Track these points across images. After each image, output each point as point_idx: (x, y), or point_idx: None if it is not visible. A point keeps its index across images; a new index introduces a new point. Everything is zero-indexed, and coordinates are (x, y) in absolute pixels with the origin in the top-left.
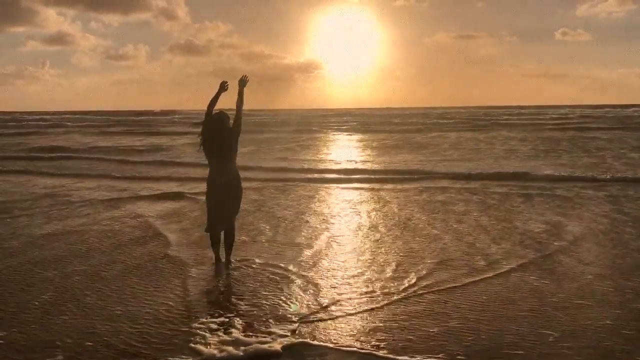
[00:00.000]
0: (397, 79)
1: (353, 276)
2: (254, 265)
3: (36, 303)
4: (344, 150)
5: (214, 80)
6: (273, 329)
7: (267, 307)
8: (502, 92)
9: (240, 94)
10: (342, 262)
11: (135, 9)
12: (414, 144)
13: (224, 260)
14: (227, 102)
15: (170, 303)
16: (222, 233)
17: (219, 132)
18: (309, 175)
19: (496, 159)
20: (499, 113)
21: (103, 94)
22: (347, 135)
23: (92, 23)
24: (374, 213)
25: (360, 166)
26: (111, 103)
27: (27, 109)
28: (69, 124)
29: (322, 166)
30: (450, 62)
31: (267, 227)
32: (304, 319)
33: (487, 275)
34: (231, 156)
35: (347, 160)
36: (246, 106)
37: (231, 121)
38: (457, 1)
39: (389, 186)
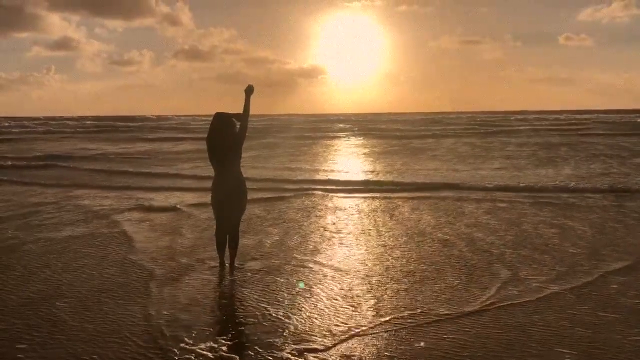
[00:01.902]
0: (400, 84)
1: (384, 291)
2: (267, 274)
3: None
4: (354, 157)
5: (218, 85)
6: None
7: (282, 325)
8: (506, 96)
9: (247, 102)
10: (374, 275)
11: (139, 14)
12: (431, 152)
13: (228, 264)
14: (232, 108)
15: (167, 317)
16: (227, 237)
17: (222, 138)
18: (334, 187)
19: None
20: (506, 119)
21: (107, 99)
22: (351, 141)
23: (97, 29)
24: (388, 221)
25: (374, 177)
26: (115, 108)
27: (31, 114)
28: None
29: (338, 176)
30: (454, 67)
31: (280, 233)
32: (328, 344)
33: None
34: (235, 162)
35: (359, 171)
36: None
37: (236, 128)
38: (461, 6)
39: (403, 195)
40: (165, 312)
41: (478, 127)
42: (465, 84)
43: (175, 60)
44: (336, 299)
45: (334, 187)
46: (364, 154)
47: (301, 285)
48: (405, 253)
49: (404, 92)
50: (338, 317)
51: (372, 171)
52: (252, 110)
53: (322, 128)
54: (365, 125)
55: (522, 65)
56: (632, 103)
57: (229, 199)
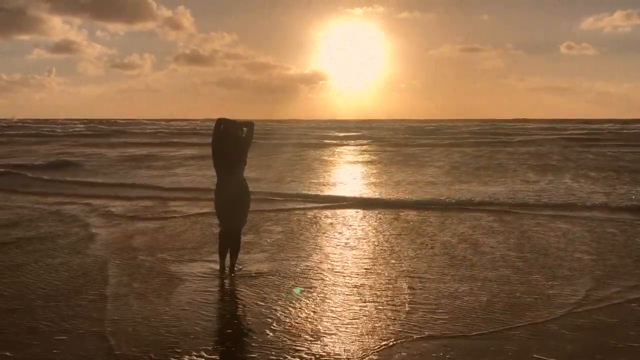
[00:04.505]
0: (401, 91)
1: (388, 306)
2: (266, 280)
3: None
4: (357, 167)
5: (219, 89)
6: None
7: (280, 337)
8: (507, 105)
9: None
10: (378, 289)
11: (141, 18)
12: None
13: (228, 268)
14: (234, 113)
15: (162, 326)
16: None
17: (226, 143)
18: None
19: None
20: (509, 127)
21: (109, 102)
22: (355, 147)
23: (98, 32)
24: (394, 233)
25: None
26: (116, 111)
27: (32, 116)
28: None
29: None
30: (454, 74)
31: (281, 240)
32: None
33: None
34: (238, 167)
35: (364, 183)
36: (250, 116)
37: (242, 132)
38: (462, 13)
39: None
40: (159, 318)
41: (492, 136)
42: (466, 92)
43: (177, 65)
44: (339, 312)
45: (334, 199)
46: (367, 162)
47: (297, 291)
48: (417, 266)
49: (405, 99)
50: (339, 330)
51: (377, 183)
52: (253, 116)
53: (328, 136)
54: (366, 133)
55: (522, 73)
56: (635, 113)
57: (234, 203)
